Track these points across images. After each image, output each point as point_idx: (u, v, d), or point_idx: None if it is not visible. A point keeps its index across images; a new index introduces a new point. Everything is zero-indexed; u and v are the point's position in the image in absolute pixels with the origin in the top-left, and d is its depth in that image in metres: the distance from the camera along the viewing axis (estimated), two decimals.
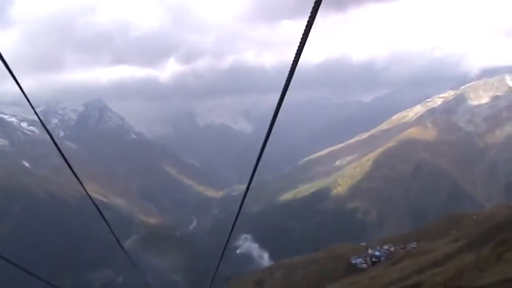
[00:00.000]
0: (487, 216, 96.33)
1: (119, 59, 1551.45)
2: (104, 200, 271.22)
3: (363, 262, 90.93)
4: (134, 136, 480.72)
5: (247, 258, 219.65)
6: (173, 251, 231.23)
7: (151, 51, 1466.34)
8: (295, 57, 4.27)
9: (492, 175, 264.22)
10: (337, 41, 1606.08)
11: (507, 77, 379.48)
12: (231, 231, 13.09)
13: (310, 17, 3.83)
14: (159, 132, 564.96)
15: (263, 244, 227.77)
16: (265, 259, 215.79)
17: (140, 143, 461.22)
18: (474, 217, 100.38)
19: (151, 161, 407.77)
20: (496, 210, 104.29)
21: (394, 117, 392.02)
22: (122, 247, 18.66)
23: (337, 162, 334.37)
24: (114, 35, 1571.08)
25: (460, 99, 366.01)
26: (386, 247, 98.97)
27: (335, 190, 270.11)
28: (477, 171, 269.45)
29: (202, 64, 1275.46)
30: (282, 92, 4.77)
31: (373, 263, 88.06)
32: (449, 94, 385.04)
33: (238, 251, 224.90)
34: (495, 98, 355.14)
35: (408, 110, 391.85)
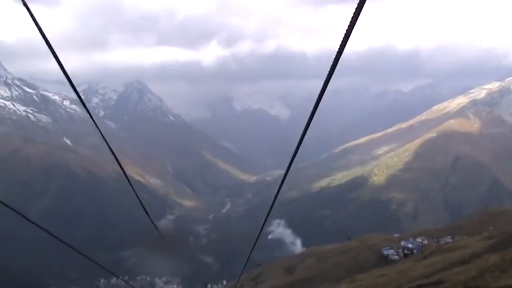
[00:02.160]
0: None
1: (162, 40, 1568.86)
2: (141, 180, 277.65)
3: (395, 253, 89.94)
4: (172, 118, 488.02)
5: (279, 243, 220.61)
6: (204, 233, 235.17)
7: (194, 33, 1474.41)
8: (340, 45, 4.16)
9: None
10: (382, 30, 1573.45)
11: None
12: (266, 216, 13.40)
13: (359, 3, 3.74)
14: (196, 115, 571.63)
15: (295, 231, 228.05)
16: (298, 246, 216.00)
17: (177, 125, 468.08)
18: None
19: (187, 144, 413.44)
20: None
21: (434, 108, 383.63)
22: (156, 226, 19.35)
23: (374, 152, 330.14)
24: (159, 17, 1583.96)
25: (504, 91, 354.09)
26: (419, 239, 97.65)
27: (370, 180, 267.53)
28: None
29: (243, 48, 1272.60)
30: (326, 80, 4.84)
31: (405, 255, 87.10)
32: (494, 85, 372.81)
33: (270, 236, 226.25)
34: None
35: (449, 101, 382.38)
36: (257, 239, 16.42)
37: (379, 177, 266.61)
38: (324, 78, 4.78)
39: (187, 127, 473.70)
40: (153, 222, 17.88)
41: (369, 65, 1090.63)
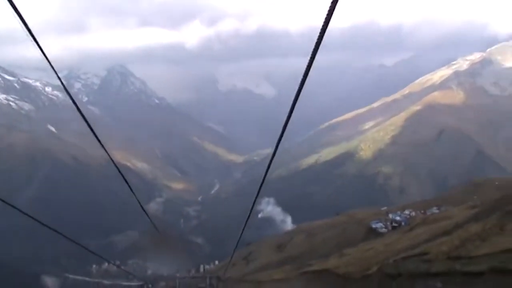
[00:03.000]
0: (509, 181, 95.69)
1: (144, 22, 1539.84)
2: (128, 164, 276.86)
3: (383, 226, 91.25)
4: (156, 101, 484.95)
5: (269, 222, 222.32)
6: (194, 214, 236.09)
7: (177, 14, 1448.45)
8: (324, 23, 4.16)
9: None
10: (365, 6, 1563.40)
11: None
12: (256, 195, 13.49)
13: None
14: (181, 98, 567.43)
15: (285, 209, 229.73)
16: (288, 223, 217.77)
17: (162, 108, 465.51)
18: (496, 183, 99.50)
19: (173, 126, 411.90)
20: None
21: (418, 81, 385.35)
22: (144, 210, 19.42)
23: (360, 127, 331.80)
24: None
25: (486, 62, 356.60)
26: (406, 212, 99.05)
27: (357, 155, 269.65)
28: (502, 135, 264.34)
29: (226, 28, 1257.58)
30: (310, 58, 4.94)
31: (393, 228, 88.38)
32: (475, 56, 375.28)
33: (260, 215, 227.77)
34: None
35: (432, 73, 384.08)
36: (247, 219, 16.59)
37: (365, 151, 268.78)
38: (309, 56, 4.81)
39: (172, 109, 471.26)
40: (141, 205, 18.00)
41: (352, 41, 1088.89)
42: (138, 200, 16.36)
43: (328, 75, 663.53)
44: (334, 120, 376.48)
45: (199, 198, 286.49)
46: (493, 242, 18.12)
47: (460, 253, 18.60)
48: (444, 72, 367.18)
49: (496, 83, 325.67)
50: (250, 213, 16.59)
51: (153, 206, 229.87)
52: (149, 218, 20.89)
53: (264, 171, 11.14)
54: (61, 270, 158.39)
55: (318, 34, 4.44)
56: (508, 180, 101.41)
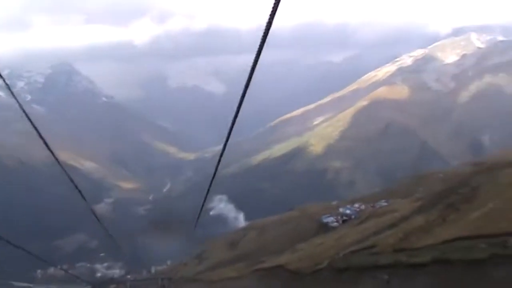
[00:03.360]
0: (452, 174, 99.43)
1: (90, 19, 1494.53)
2: (75, 164, 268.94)
3: (334, 221, 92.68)
4: (104, 99, 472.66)
5: (222, 219, 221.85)
6: (145, 214, 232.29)
7: (125, 11, 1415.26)
8: (268, 20, 4.28)
9: (458, 133, 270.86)
10: (313, 5, 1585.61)
11: (473, 36, 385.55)
12: (207, 193, 13.32)
13: None
14: (130, 95, 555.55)
15: (238, 205, 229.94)
16: (241, 220, 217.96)
17: (110, 106, 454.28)
18: (440, 175, 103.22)
19: (122, 125, 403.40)
20: (460, 167, 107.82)
21: (364, 77, 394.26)
22: (93, 211, 18.90)
23: (309, 123, 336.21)
24: None
25: (428, 58, 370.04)
26: (356, 205, 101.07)
27: (307, 150, 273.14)
28: (444, 129, 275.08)
29: (175, 25, 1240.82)
30: (256, 55, 4.86)
31: (344, 221, 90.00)
32: (418, 53, 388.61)
33: (212, 213, 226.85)
34: (463, 57, 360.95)
35: (378, 69, 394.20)
36: (198, 217, 16.33)
37: (315, 147, 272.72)
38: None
39: (121, 107, 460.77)
40: (89, 206, 17.41)
41: (300, 38, 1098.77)
42: (85, 200, 15.87)
43: (277, 72, 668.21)
44: (284, 116, 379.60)
45: (150, 197, 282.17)
46: (435, 234, 18.80)
47: (405, 245, 19.18)
48: (389, 68, 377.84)
49: (438, 79, 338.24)
50: (200, 211, 16.37)
51: (102, 207, 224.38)
52: (97, 219, 20.38)
53: (215, 168, 10.96)
54: (5, 277, 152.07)
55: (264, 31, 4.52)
56: (451, 172, 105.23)
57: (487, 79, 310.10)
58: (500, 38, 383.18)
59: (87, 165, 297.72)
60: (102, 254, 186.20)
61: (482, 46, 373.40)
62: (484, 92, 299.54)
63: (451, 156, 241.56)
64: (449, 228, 19.82)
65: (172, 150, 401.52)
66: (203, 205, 15.48)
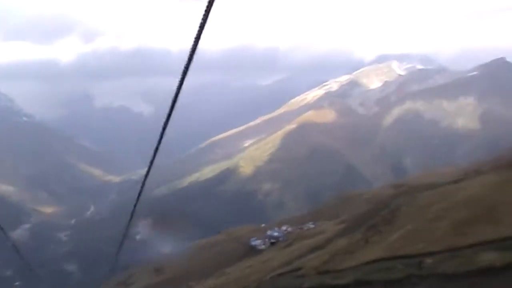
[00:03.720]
0: (375, 195, 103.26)
1: (13, 36, 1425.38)
2: None
3: (262, 243, 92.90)
4: (25, 119, 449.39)
5: (148, 244, 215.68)
6: (66, 239, 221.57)
7: (51, 28, 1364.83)
8: (194, 41, 4.32)
9: (381, 155, 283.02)
10: (244, 28, 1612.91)
11: (394, 64, 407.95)
12: (131, 217, 12.65)
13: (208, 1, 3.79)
14: (53, 115, 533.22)
15: (165, 229, 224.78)
16: (168, 245, 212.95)
17: (31, 126, 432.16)
18: (364, 196, 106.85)
19: (44, 145, 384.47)
20: (383, 189, 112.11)
21: (293, 100, 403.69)
22: (8, 237, 17.60)
23: (239, 145, 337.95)
24: (10, 9, 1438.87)
25: (353, 84, 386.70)
26: (284, 228, 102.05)
27: (237, 172, 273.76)
28: (368, 152, 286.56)
29: (103, 44, 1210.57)
30: (182, 75, 4.75)
31: (272, 243, 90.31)
32: (344, 78, 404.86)
33: (138, 237, 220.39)
34: (385, 83, 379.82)
35: (306, 93, 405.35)
36: (122, 242, 15.53)
37: (245, 169, 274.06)
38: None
39: (43, 127, 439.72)
40: (4, 233, 16.11)
41: (231, 61, 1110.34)
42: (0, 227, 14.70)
43: (208, 94, 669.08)
44: (214, 138, 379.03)
45: (72, 222, 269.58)
46: (358, 255, 19.18)
47: (329, 267, 19.39)
48: (316, 93, 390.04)
49: (363, 104, 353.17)
50: (124, 236, 15.62)
51: (19, 233, 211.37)
52: (13, 245, 19.04)
53: (139, 190, 10.46)
54: None
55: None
56: (374, 193, 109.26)
57: (408, 105, 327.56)
58: (419, 66, 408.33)
59: (3, 188, 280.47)
60: (17, 283, 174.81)
61: (403, 73, 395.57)
62: (405, 117, 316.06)
63: (374, 177, 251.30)
64: (371, 250, 20.28)
65: (97, 172, 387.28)
66: (126, 230, 14.75)
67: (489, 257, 11.76)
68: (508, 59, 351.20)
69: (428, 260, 14.22)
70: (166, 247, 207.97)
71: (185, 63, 4.71)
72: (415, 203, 26.31)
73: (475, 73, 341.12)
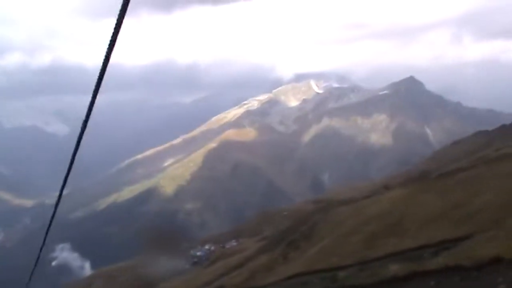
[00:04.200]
0: (295, 211, 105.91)
1: None
2: None
3: (185, 263, 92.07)
4: None
5: (65, 269, 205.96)
6: None
7: None
8: (105, 57, 4.23)
9: (301, 171, 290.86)
10: (164, 44, 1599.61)
11: (312, 82, 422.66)
12: (43, 243, 12.31)
13: (119, 15, 3.73)
14: None
15: (83, 253, 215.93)
16: (87, 269, 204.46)
17: None
18: (285, 213, 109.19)
19: None
20: (303, 205, 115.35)
21: (213, 119, 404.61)
22: None
23: (160, 164, 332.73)
24: None
25: (273, 102, 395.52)
26: (207, 246, 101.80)
27: (158, 192, 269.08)
28: (288, 169, 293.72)
29: (13, 60, 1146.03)
30: (93, 93, 4.77)
31: (194, 263, 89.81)
32: (263, 97, 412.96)
33: (54, 263, 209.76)
34: (303, 101, 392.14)
35: (227, 112, 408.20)
36: (34, 268, 15.10)
37: (166, 188, 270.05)
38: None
39: None
40: None
41: (151, 78, 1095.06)
42: None
43: (126, 112, 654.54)
44: (134, 158, 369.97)
45: None
46: (278, 271, 19.95)
47: (250, 284, 19.96)
48: (237, 111, 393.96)
49: (282, 122, 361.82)
50: (36, 262, 15.23)
51: None
52: None
53: (52, 214, 10.35)
54: None
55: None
56: (295, 209, 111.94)
57: (325, 122, 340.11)
58: (335, 85, 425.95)
59: None
60: None
61: (320, 91, 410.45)
62: (323, 134, 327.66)
63: (295, 193, 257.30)
64: (290, 265, 21.15)
65: (7, 196, 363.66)
66: (39, 256, 14.41)
67: (393, 268, 12.92)
68: (416, 78, 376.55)
69: (341, 274, 15.26)
70: (85, 270, 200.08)
71: (97, 79, 4.75)
72: (331, 219, 27.76)
73: (386, 91, 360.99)
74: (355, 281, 12.96)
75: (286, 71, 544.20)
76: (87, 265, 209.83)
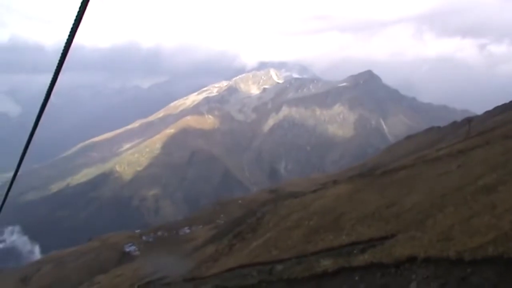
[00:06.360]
0: (250, 200, 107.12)
1: None
2: None
3: (136, 249, 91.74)
4: None
5: (14, 253, 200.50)
6: None
7: None
8: (68, 38, 4.28)
9: (258, 161, 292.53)
10: (127, 28, 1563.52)
11: (272, 72, 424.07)
12: None
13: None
14: None
15: (32, 237, 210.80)
16: (36, 253, 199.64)
17: None
18: (239, 202, 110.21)
19: None
20: (258, 195, 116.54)
21: (172, 104, 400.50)
22: None
23: (116, 149, 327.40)
24: None
25: (232, 90, 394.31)
26: (160, 233, 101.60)
27: (112, 177, 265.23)
28: (246, 158, 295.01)
29: None
30: (54, 74, 4.99)
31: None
32: (223, 84, 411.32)
33: (1, 246, 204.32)
34: (263, 90, 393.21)
35: (185, 98, 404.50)
36: None
37: (121, 174, 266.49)
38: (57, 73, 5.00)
39: None
40: None
41: (111, 61, 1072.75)
42: None
43: (82, 95, 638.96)
44: (89, 141, 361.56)
45: None
46: (222, 262, 20.62)
47: (195, 275, 20.56)
48: (196, 97, 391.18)
49: (241, 110, 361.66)
50: None
51: None
52: None
53: (4, 197, 10.42)
54: None
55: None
56: (250, 199, 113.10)
57: (284, 112, 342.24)
58: (296, 75, 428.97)
59: None
60: None
61: (280, 81, 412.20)
62: (281, 124, 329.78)
63: (252, 183, 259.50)
64: (233, 257, 21.87)
65: None
66: None
67: (325, 263, 13.78)
68: (375, 72, 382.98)
69: (279, 267, 16.07)
70: (35, 255, 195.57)
71: (58, 60, 4.97)
72: (278, 211, 28.62)
73: (345, 84, 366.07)
74: (290, 275, 13.77)
75: (250, 60, 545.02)
76: (36, 249, 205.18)
